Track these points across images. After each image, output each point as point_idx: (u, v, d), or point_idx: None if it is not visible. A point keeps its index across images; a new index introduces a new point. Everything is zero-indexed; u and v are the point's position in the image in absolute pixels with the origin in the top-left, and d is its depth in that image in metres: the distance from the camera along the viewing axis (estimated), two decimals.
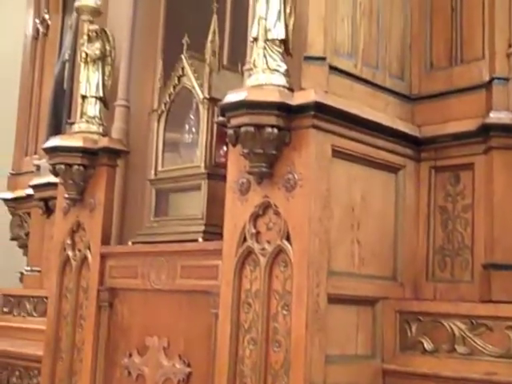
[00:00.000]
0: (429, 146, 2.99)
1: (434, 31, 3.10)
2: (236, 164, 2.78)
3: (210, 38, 3.33)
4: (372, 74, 2.93)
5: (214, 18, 3.40)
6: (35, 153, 5.21)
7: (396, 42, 3.07)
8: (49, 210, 4.61)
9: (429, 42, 3.11)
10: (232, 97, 2.62)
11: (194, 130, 3.36)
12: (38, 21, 5.39)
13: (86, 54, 3.65)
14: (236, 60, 3.51)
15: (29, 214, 5.07)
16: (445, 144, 2.94)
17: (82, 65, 3.67)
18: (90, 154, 3.54)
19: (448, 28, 3.06)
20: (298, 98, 2.58)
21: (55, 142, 3.59)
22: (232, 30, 3.68)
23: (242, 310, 2.70)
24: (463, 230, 2.90)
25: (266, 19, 2.70)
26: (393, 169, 2.94)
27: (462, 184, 2.91)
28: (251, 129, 2.57)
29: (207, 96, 3.19)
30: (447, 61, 3.05)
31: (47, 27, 5.32)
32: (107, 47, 3.70)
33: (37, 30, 5.41)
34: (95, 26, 3.66)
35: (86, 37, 3.66)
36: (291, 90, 2.66)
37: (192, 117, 3.36)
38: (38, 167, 4.83)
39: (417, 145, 3.00)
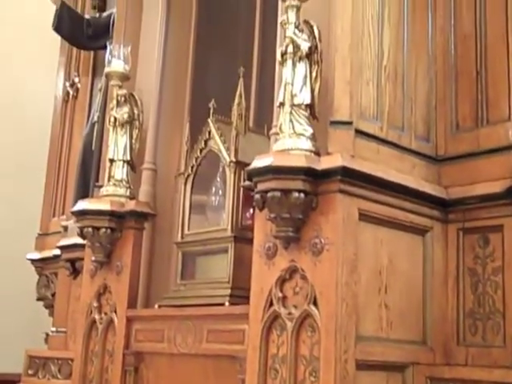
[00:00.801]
0: (456, 208, 2.96)
1: (459, 93, 3.10)
2: (262, 228, 2.78)
3: (236, 101, 3.38)
4: (398, 136, 2.93)
5: (241, 81, 3.45)
6: (63, 213, 5.26)
7: (421, 104, 3.08)
8: (75, 271, 4.62)
9: (454, 103, 3.11)
10: (259, 162, 2.64)
11: (220, 192, 3.38)
12: (68, 83, 5.51)
13: (115, 119, 3.72)
14: (262, 122, 3.56)
15: (55, 274, 5.08)
16: (473, 206, 2.91)
17: (111, 129, 3.74)
18: (117, 217, 3.58)
19: (473, 90, 3.06)
20: (324, 163, 2.59)
21: (83, 205, 3.63)
22: (258, 93, 3.74)
23: (269, 375, 2.66)
24: (494, 293, 2.84)
25: (292, 84, 2.73)
26: (420, 231, 2.91)
27: (491, 246, 2.87)
28: (278, 194, 2.58)
29: (234, 159, 3.22)
30: (473, 122, 3.05)
31: (77, 89, 5.43)
32: (135, 111, 3.77)
33: (67, 93, 5.52)
34: (124, 91, 3.73)
35: (114, 101, 3.74)
36: (318, 153, 2.68)
37: (218, 179, 3.38)
38: (66, 228, 4.86)
39: (444, 206, 2.98)
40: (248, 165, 2.78)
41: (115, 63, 3.72)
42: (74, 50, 5.43)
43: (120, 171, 3.70)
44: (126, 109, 3.73)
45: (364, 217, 2.67)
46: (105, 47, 4.82)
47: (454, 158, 3.04)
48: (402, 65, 3.01)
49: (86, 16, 5.11)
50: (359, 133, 2.77)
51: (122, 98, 3.72)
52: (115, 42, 3.89)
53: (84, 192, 4.60)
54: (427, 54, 3.13)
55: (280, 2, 2.96)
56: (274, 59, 2.98)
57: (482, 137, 2.98)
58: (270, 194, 2.60)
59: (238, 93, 3.39)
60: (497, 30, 3.04)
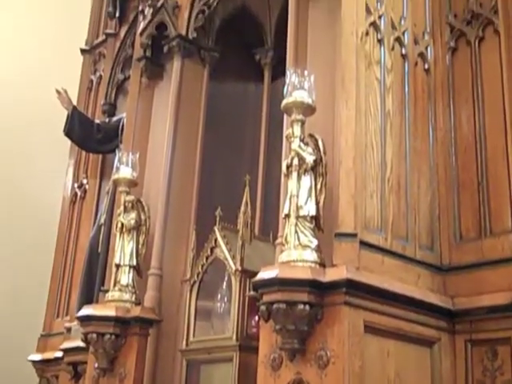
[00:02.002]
0: (463, 319, 2.95)
1: (462, 204, 3.15)
2: (268, 339, 2.76)
3: (242, 209, 3.43)
4: (402, 246, 2.96)
5: (247, 190, 3.52)
6: (67, 314, 5.23)
7: (424, 214, 3.12)
8: (77, 375, 4.55)
9: (457, 213, 3.15)
10: (264, 274, 2.65)
11: (226, 299, 3.38)
12: (76, 185, 5.60)
13: (122, 224, 3.76)
14: (268, 229, 3.60)
15: (57, 377, 5.00)
16: (479, 317, 2.90)
17: (118, 234, 3.78)
18: (122, 323, 3.56)
19: (475, 201, 3.11)
20: (329, 275, 2.61)
21: (88, 311, 3.62)
22: (263, 200, 3.80)
23: None
24: None
25: (297, 196, 2.78)
26: (427, 342, 2.89)
27: (499, 359, 2.84)
28: (283, 306, 2.58)
29: (239, 268, 3.24)
30: (476, 232, 3.08)
31: (85, 191, 5.51)
32: (142, 216, 3.82)
33: (75, 194, 5.60)
34: (131, 197, 3.79)
35: (122, 207, 3.79)
36: (323, 265, 2.70)
37: (224, 287, 3.39)
38: (69, 329, 4.82)
39: (451, 317, 2.96)
40: (253, 273, 2.79)
41: (123, 170, 3.79)
42: (83, 152, 5.54)
43: (126, 276, 3.71)
44: (133, 215, 3.78)
45: (370, 329, 2.65)
46: (113, 151, 4.96)
47: (459, 267, 3.05)
48: (404, 176, 3.07)
49: (96, 121, 5.25)
50: (364, 244, 2.79)
51: (130, 204, 3.78)
52: (124, 150, 3.99)
53: (89, 294, 4.59)
54: (429, 166, 3.20)
55: (285, 116, 3.06)
56: (279, 167, 3.04)
57: (485, 247, 3.01)
58: (275, 306, 2.61)
59: (243, 201, 3.45)
60: (496, 142, 3.12)
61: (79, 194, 5.55)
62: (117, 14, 5.45)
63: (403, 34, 3.26)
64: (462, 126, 3.24)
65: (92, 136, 5.10)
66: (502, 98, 3.11)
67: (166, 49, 4.11)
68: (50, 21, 7.08)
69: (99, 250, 4.71)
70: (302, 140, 2.86)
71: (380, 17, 3.16)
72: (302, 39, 3.33)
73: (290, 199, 2.79)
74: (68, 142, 5.45)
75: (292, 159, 2.83)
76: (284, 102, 2.86)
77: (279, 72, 4.01)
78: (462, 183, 3.17)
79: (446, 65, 3.35)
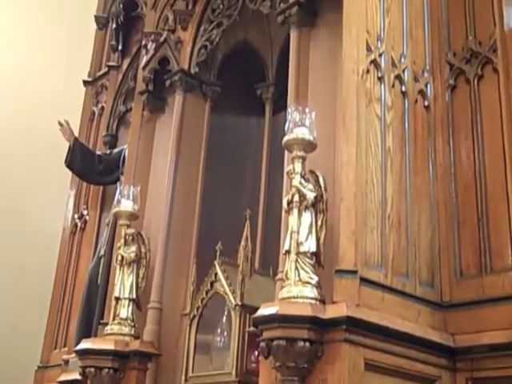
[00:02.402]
0: (464, 357, 2.93)
1: (462, 240, 3.15)
2: (268, 376, 2.74)
3: (242, 243, 3.44)
4: (402, 283, 2.96)
5: (247, 224, 3.53)
6: (65, 345, 5.20)
7: (425, 250, 3.12)
8: None
9: (457, 250, 3.15)
10: (265, 310, 2.65)
11: (225, 334, 3.37)
12: (76, 216, 5.61)
13: (122, 257, 3.77)
14: (268, 263, 3.60)
15: None
16: (481, 355, 2.88)
17: (118, 267, 3.78)
18: (120, 357, 3.54)
19: (475, 237, 3.11)
20: (330, 312, 2.61)
21: (87, 344, 3.60)
22: (263, 235, 3.81)
23: None
24: None
25: (298, 233, 2.79)
26: (428, 380, 2.87)
27: None
28: (283, 342, 2.57)
29: (239, 303, 3.24)
30: (477, 269, 3.08)
31: (85, 222, 5.51)
32: (142, 249, 3.83)
33: (75, 225, 5.60)
34: (132, 230, 3.80)
35: (122, 240, 3.80)
36: (323, 301, 2.70)
37: (224, 321, 3.38)
38: (67, 362, 4.79)
39: (451, 355, 2.94)
40: (253, 308, 2.79)
41: (124, 203, 3.81)
42: (84, 183, 5.55)
43: (125, 310, 3.70)
44: (133, 248, 3.78)
45: (370, 366, 2.64)
46: (114, 182, 4.98)
47: (460, 304, 3.04)
48: (405, 213, 3.08)
49: (98, 152, 5.27)
50: (364, 280, 2.79)
51: (130, 237, 3.79)
52: (125, 182, 4.01)
53: (87, 326, 4.57)
54: (429, 202, 3.21)
55: (286, 153, 3.08)
56: (280, 201, 3.06)
57: (486, 285, 3.00)
58: (275, 343, 2.60)
59: (244, 235, 3.46)
60: (496, 179, 3.13)
61: (79, 224, 5.56)
62: (119, 47, 5.51)
63: (403, 71, 3.29)
64: (462, 163, 3.26)
65: (93, 167, 5.13)
66: (502, 136, 3.13)
67: (168, 83, 4.16)
68: (53, 52, 7.15)
69: (98, 281, 4.71)
70: (302, 176, 2.88)
71: (380, 55, 3.19)
72: (303, 76, 3.37)
73: (291, 235, 2.80)
74: (69, 172, 5.48)
75: (293, 195, 2.85)
76: (285, 138, 2.88)
77: (280, 106, 4.04)
78: (463, 220, 3.17)
79: (446, 102, 3.38)
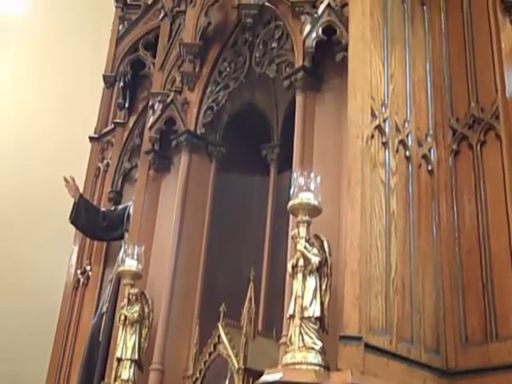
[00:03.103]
0: None
1: (467, 305, 3.14)
2: None
3: (246, 305, 3.42)
4: (407, 349, 2.93)
5: (251, 285, 3.52)
6: None
7: (429, 316, 3.11)
8: None
9: (462, 315, 3.14)
10: (268, 377, 2.64)
11: None
12: (79, 271, 5.59)
13: (125, 317, 3.75)
14: (271, 324, 3.58)
15: None
16: None
17: (120, 327, 3.75)
18: None
19: (480, 303, 3.10)
20: (334, 380, 2.59)
21: None
22: (267, 296, 3.80)
23: None
24: None
25: (302, 298, 2.79)
26: None
27: None
28: None
29: (242, 366, 3.20)
30: (482, 336, 3.05)
31: (88, 278, 5.50)
32: (146, 310, 3.81)
33: (77, 280, 5.59)
34: (135, 290, 3.79)
35: (126, 300, 3.78)
36: (327, 368, 2.68)
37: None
38: None
39: None
40: (256, 372, 2.77)
41: (128, 262, 3.81)
42: (88, 238, 5.56)
43: (127, 371, 3.66)
44: (136, 307, 3.76)
45: None
46: (118, 238, 4.99)
47: (465, 372, 3.01)
48: (409, 277, 3.08)
49: (102, 208, 5.30)
50: (369, 347, 2.77)
51: (134, 297, 3.77)
52: (129, 241, 4.02)
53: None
54: (433, 266, 3.21)
55: (291, 217, 3.10)
56: (284, 261, 3.08)
57: (492, 352, 2.98)
58: None
59: (248, 297, 3.45)
60: (500, 244, 3.14)
61: (82, 280, 5.53)
62: (126, 105, 5.59)
63: (407, 136, 3.34)
64: (466, 227, 3.27)
65: (97, 224, 5.14)
66: (505, 202, 3.15)
67: (174, 143, 4.20)
68: (60, 108, 7.25)
69: (100, 338, 4.68)
70: (307, 241, 2.89)
71: (385, 120, 3.24)
72: (309, 140, 3.42)
73: (295, 300, 2.80)
74: (73, 228, 5.49)
75: (297, 260, 2.86)
76: (290, 203, 2.91)
77: (285, 166, 4.09)
78: (467, 284, 3.17)
79: (449, 167, 3.42)
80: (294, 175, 2.98)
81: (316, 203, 2.91)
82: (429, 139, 3.45)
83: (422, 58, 3.62)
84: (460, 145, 3.42)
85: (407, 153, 3.31)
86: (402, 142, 3.30)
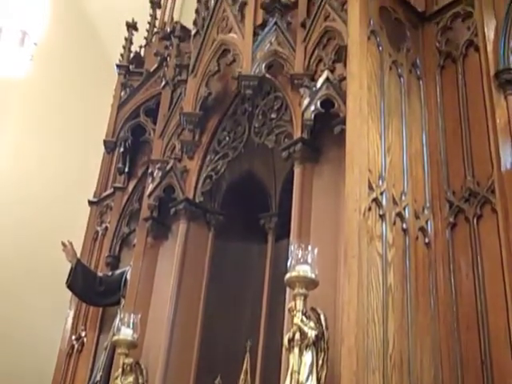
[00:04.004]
0: None
1: (466, 382, 3.08)
2: None
3: (242, 377, 3.39)
4: None
5: (247, 356, 3.49)
6: None
7: None
8: None
9: None
10: None
11: None
12: (74, 337, 5.52)
13: None
14: None
15: None
16: None
17: None
18: None
19: (479, 379, 3.02)
20: None
21: None
22: (263, 367, 3.75)
23: None
24: None
25: (298, 372, 2.76)
26: None
27: None
28: None
29: None
30: None
31: (82, 344, 5.43)
32: (140, 380, 3.76)
33: (72, 346, 5.51)
34: (130, 360, 3.75)
35: (120, 370, 3.73)
36: None
37: None
38: None
39: None
40: None
41: (124, 331, 3.77)
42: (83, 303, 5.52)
43: None
44: (130, 378, 3.72)
45: None
46: (114, 304, 4.95)
47: None
48: (407, 352, 3.04)
49: (99, 274, 5.27)
50: None
51: (128, 367, 3.73)
52: (126, 309, 3.99)
53: None
54: (432, 341, 3.17)
55: (288, 289, 3.09)
56: (281, 331, 3.06)
57: None
58: None
59: (243, 368, 3.41)
60: (498, 320, 3.10)
61: (76, 346, 5.46)
62: (126, 170, 5.64)
63: (404, 209, 3.35)
64: (464, 302, 3.24)
65: (94, 289, 5.11)
66: (503, 277, 3.13)
67: (172, 211, 4.22)
68: (59, 172, 7.30)
69: None
70: (304, 314, 2.88)
71: (382, 193, 3.27)
72: (306, 212, 3.44)
73: (291, 375, 2.77)
74: (69, 292, 5.46)
75: (294, 334, 2.85)
76: (287, 276, 2.91)
77: (283, 233, 4.08)
78: (466, 361, 3.12)
79: (446, 239, 3.41)
80: (292, 247, 2.99)
81: (313, 276, 2.91)
82: (426, 211, 3.47)
83: (419, 130, 3.67)
84: (457, 218, 3.43)
85: (404, 225, 3.32)
86: (399, 215, 3.32)
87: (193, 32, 4.62)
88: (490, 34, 3.64)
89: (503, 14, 3.64)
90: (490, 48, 3.59)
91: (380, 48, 3.65)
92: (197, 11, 4.70)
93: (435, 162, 3.60)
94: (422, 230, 3.41)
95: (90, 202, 6.01)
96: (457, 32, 3.85)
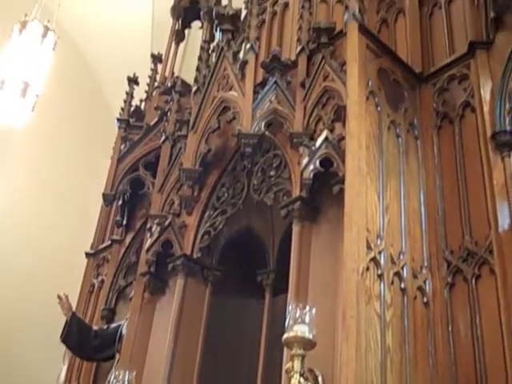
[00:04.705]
0: None
1: None
2: None
3: None
4: None
5: None
6: None
7: None
8: None
9: None
10: None
11: None
12: None
13: None
14: None
15: None
16: None
17: None
18: None
19: None
20: None
21: None
22: None
23: None
24: None
25: None
26: None
27: None
28: None
29: None
30: None
31: None
32: None
33: None
34: None
35: None
36: None
37: None
38: None
39: None
40: None
41: None
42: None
43: None
44: None
45: None
46: (108, 359, 4.89)
47: None
48: None
49: (94, 327, 5.21)
50: None
51: None
52: (121, 365, 3.94)
53: None
54: None
55: (285, 349, 3.07)
56: None
57: None
58: None
59: None
60: (498, 379, 3.08)
61: None
62: (124, 222, 5.63)
63: (402, 268, 3.36)
64: (463, 363, 3.22)
65: (88, 342, 5.04)
66: (502, 338, 3.13)
67: (170, 266, 4.21)
68: (57, 223, 7.30)
69: None
70: (301, 375, 2.85)
71: (380, 252, 3.28)
72: (304, 270, 3.44)
73: None
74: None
75: None
76: (285, 336, 2.88)
77: (280, 289, 4.07)
78: None
79: (445, 299, 3.41)
80: (289, 307, 2.97)
81: (311, 337, 2.88)
82: (424, 271, 3.47)
83: (416, 189, 3.71)
84: (455, 277, 3.43)
85: (402, 285, 3.32)
86: (398, 274, 3.32)
87: (194, 89, 4.68)
88: (487, 95, 3.71)
89: (499, 75, 3.71)
90: (486, 109, 3.66)
91: (378, 108, 3.71)
92: (198, 69, 4.77)
93: (433, 220, 3.62)
94: (421, 289, 3.41)
95: (87, 254, 5.99)
96: (453, 93, 3.93)
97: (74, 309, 5.21)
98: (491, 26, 3.82)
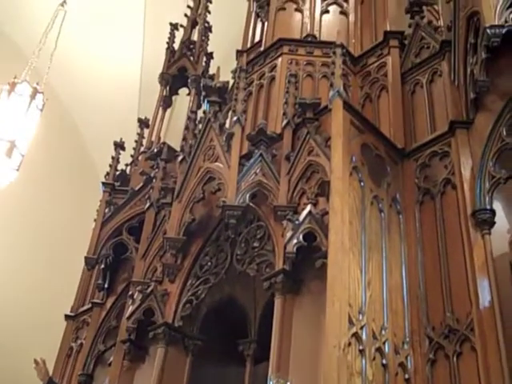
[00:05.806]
0: None
1: None
2: None
3: None
4: None
5: None
6: None
7: None
8: None
9: None
10: None
11: None
12: None
13: None
14: None
15: None
16: None
17: None
18: None
19: None
20: None
21: None
22: None
23: None
24: None
25: None
26: None
27: None
28: None
29: None
30: None
31: None
32: None
33: None
34: None
35: None
36: None
37: None
38: None
39: None
40: None
41: None
42: None
43: None
44: None
45: None
46: None
47: None
48: None
49: None
50: None
51: None
52: None
53: None
54: None
55: None
56: None
57: None
58: None
59: None
60: None
61: None
62: (105, 286, 5.59)
63: (384, 343, 3.37)
64: None
65: None
66: None
67: (151, 334, 4.17)
68: (36, 285, 7.22)
69: None
70: None
71: (362, 327, 3.29)
72: (286, 343, 3.44)
73: None
74: None
75: None
76: None
77: (261, 357, 4.06)
78: None
79: (426, 375, 3.41)
80: (271, 383, 2.96)
81: None
82: (405, 346, 3.48)
83: (398, 264, 3.75)
84: (436, 354, 3.45)
85: (384, 361, 3.33)
86: (379, 350, 3.33)
87: (180, 158, 4.72)
88: (467, 173, 3.80)
89: (479, 155, 3.80)
90: (466, 187, 3.74)
91: (361, 183, 3.78)
92: (184, 138, 4.83)
93: (415, 296, 3.65)
94: (402, 365, 3.41)
95: (67, 317, 5.92)
96: (435, 169, 4.02)
97: (50, 373, 5.14)
98: (471, 106, 3.94)
